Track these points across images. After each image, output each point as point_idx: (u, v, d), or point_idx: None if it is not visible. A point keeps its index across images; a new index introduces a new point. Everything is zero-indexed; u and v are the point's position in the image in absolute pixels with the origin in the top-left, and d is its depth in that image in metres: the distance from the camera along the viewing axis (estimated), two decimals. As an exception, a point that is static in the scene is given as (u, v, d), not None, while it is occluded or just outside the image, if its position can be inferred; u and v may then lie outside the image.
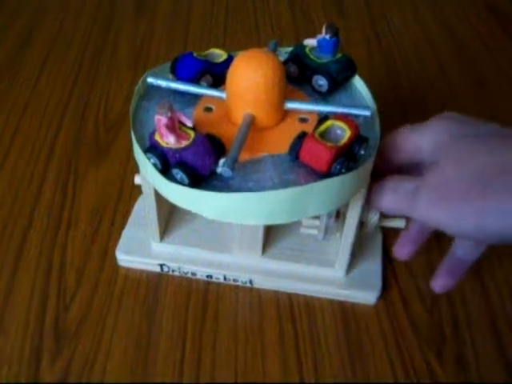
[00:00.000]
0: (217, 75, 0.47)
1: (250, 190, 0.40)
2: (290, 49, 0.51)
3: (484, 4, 0.95)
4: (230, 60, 0.48)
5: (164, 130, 0.39)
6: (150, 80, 0.47)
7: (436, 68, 0.81)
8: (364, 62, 0.82)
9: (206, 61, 0.48)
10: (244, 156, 0.42)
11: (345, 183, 0.40)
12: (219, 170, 0.40)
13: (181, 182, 0.40)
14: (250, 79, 0.42)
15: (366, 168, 0.41)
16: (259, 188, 0.40)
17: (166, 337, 0.50)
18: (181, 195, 0.41)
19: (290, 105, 0.45)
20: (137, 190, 0.61)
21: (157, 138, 0.41)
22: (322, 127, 0.41)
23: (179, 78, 0.48)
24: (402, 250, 0.48)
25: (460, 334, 0.50)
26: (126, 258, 0.54)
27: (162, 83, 0.47)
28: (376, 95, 0.47)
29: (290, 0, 0.96)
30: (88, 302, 0.52)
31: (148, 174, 0.43)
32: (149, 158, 0.41)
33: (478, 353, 0.49)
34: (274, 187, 0.40)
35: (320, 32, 0.48)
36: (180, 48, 0.84)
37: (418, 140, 0.41)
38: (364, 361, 0.48)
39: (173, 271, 0.54)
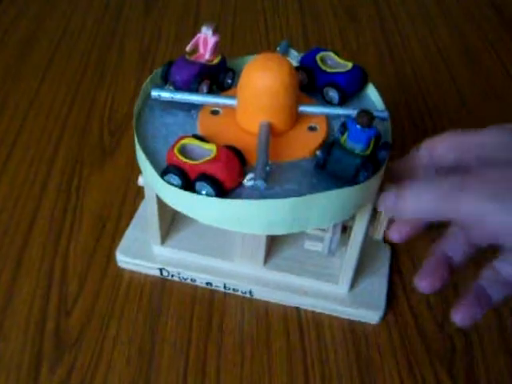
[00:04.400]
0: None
1: (249, 198, 0.39)
2: (300, 53, 0.50)
3: (498, 15, 0.94)
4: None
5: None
6: (153, 93, 0.46)
7: (447, 79, 0.80)
8: (374, 66, 0.80)
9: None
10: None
11: (350, 195, 0.39)
12: (249, 183, 0.39)
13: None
14: (266, 84, 0.41)
15: (373, 181, 0.40)
16: (259, 197, 0.39)
17: (170, 346, 0.48)
18: (178, 198, 0.40)
19: (304, 108, 0.44)
20: (142, 194, 0.60)
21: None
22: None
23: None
24: (425, 282, 0.39)
25: (471, 349, 0.49)
26: (125, 259, 0.53)
27: (166, 95, 0.45)
28: (386, 102, 0.46)
29: (299, 2, 0.95)
30: (90, 309, 0.51)
31: (147, 176, 0.42)
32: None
33: (489, 368, 0.48)
34: (275, 196, 0.39)
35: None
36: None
37: (480, 138, 0.37)
38: (373, 375, 0.47)
39: (172, 276, 0.52)
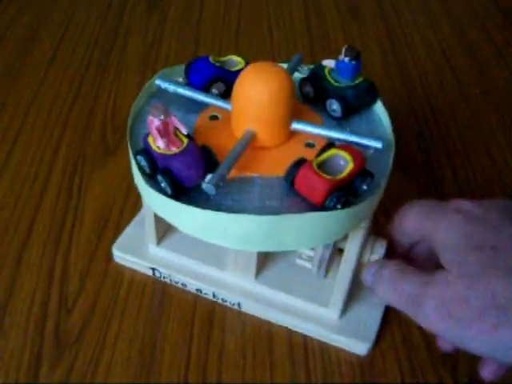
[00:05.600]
0: (230, 84, 0.45)
1: (227, 208, 0.38)
2: (311, 67, 0.49)
3: (500, 14, 0.94)
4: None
5: (155, 133, 0.38)
6: (157, 82, 0.46)
7: (451, 77, 0.79)
8: (377, 65, 0.80)
9: (220, 68, 0.46)
10: (233, 173, 0.40)
11: (326, 221, 0.38)
12: (203, 185, 0.37)
13: (163, 190, 0.39)
14: (254, 94, 0.40)
15: (363, 206, 0.38)
16: (237, 209, 0.38)
17: (171, 346, 0.48)
18: (157, 202, 0.40)
19: (296, 125, 0.43)
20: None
21: (149, 140, 0.39)
22: (324, 156, 0.39)
23: (191, 81, 0.46)
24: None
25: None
26: (120, 255, 0.53)
27: (169, 87, 0.45)
28: (391, 109, 0.45)
29: (304, 2, 0.94)
30: (91, 308, 0.50)
31: (135, 176, 0.42)
32: (139, 160, 0.40)
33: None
34: (253, 211, 0.38)
35: (338, 52, 0.46)
36: (191, 48, 0.82)
37: (431, 233, 0.37)
38: (375, 376, 0.47)
39: (164, 278, 0.52)
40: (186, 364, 0.47)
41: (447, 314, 0.34)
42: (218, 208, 0.38)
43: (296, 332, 0.49)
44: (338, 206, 0.37)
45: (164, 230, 0.52)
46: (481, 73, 0.80)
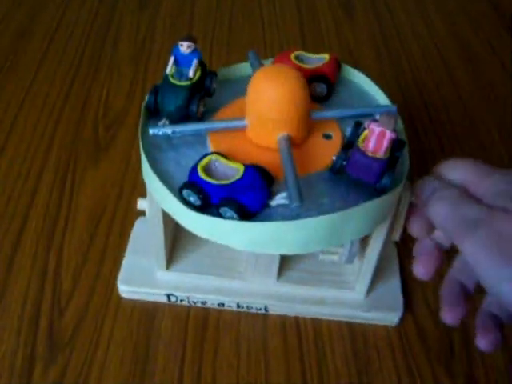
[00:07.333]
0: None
1: (283, 217, 0.37)
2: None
3: (494, 10, 0.94)
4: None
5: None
6: (151, 131, 0.42)
7: (444, 74, 0.79)
8: (371, 62, 0.80)
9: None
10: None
11: (384, 204, 0.38)
12: (277, 202, 0.37)
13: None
14: (282, 99, 0.39)
15: (400, 188, 0.39)
16: (293, 214, 0.37)
17: (165, 346, 0.48)
18: (200, 223, 0.38)
19: (317, 114, 0.43)
20: (137, 193, 0.59)
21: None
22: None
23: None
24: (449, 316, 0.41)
25: (470, 348, 0.48)
26: (128, 289, 0.50)
27: (168, 131, 0.42)
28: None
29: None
30: (84, 308, 0.50)
31: (160, 198, 0.40)
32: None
33: (488, 367, 0.47)
34: (310, 213, 0.37)
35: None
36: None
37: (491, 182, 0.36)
38: (371, 375, 0.47)
39: (181, 301, 0.50)
40: (180, 365, 0.46)
41: (497, 247, 0.32)
42: (269, 218, 0.37)
43: (321, 320, 0.50)
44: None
45: (169, 253, 0.51)
46: (473, 67, 0.80)
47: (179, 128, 0.42)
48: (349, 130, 0.40)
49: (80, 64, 0.77)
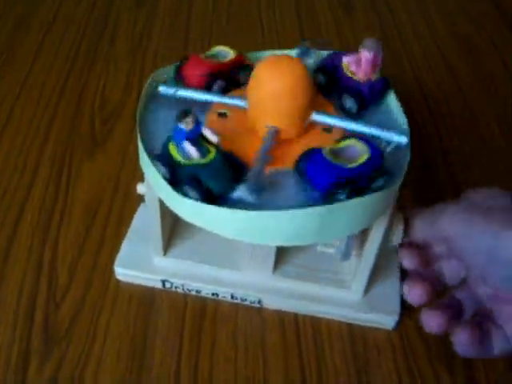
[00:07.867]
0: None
1: (273, 207, 0.37)
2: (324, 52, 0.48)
3: (495, 9, 0.93)
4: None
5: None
6: (161, 89, 0.44)
7: (445, 71, 0.79)
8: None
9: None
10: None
11: (375, 201, 0.38)
12: (238, 193, 0.37)
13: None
14: (274, 88, 0.39)
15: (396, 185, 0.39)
16: (282, 205, 0.37)
17: (162, 339, 0.47)
18: (194, 211, 0.38)
19: (317, 117, 0.42)
20: (134, 186, 0.58)
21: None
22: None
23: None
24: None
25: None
26: (125, 272, 0.50)
27: (173, 92, 0.43)
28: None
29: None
30: (80, 301, 0.49)
31: (157, 187, 0.40)
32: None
33: (488, 366, 0.47)
34: (299, 204, 0.37)
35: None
36: (181, 38, 0.81)
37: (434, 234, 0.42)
38: (371, 374, 0.46)
39: (176, 288, 0.50)
40: (177, 359, 0.46)
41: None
42: (259, 207, 0.37)
43: (321, 318, 0.49)
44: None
45: (167, 239, 0.51)
46: (474, 63, 0.79)
47: (183, 92, 0.43)
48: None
49: (76, 57, 0.76)
